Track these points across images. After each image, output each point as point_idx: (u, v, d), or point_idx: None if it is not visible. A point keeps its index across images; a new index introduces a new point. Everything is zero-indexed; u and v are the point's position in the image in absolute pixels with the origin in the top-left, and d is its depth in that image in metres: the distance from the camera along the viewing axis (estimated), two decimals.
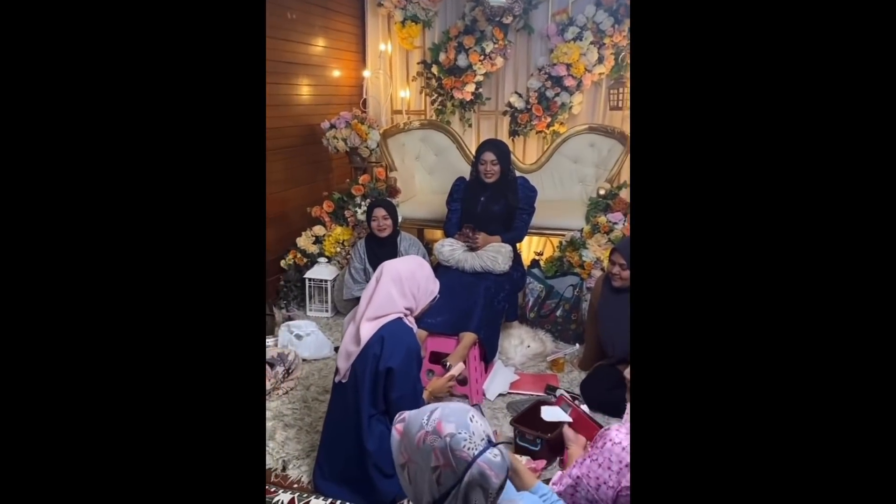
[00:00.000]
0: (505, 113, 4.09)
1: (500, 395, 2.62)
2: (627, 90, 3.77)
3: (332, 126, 3.60)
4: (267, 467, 2.15)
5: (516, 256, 3.01)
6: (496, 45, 3.93)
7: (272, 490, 2.03)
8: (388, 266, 1.99)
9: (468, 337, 2.58)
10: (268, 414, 2.46)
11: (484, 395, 2.59)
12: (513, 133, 4.06)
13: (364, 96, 4.17)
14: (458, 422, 1.10)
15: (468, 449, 1.07)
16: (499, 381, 2.68)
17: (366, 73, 4.28)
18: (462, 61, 3.97)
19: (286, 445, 2.27)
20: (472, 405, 2.50)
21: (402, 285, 1.95)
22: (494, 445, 1.09)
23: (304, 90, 3.72)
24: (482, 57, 3.95)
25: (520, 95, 4.01)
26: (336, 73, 4.08)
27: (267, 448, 2.24)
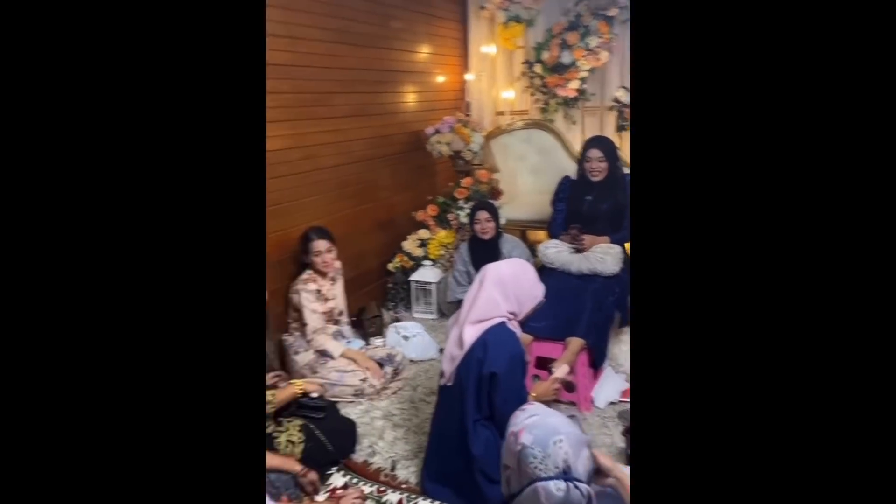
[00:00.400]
0: (611, 108, 3.93)
1: (610, 403, 2.51)
2: None
3: (437, 131, 3.65)
4: (376, 466, 2.21)
5: (627, 258, 2.88)
6: (601, 40, 3.79)
7: (381, 489, 2.09)
8: (491, 269, 1.97)
9: (575, 342, 2.50)
10: (377, 413, 2.53)
11: (593, 402, 2.50)
12: (620, 129, 3.89)
13: (467, 100, 4.19)
14: (539, 438, 1.07)
15: (534, 467, 1.04)
16: (609, 388, 2.57)
17: (468, 77, 4.30)
18: (566, 58, 3.87)
19: (395, 445, 2.32)
20: (581, 412, 2.42)
21: (506, 288, 1.92)
22: (569, 480, 1.03)
23: (410, 97, 3.81)
24: (586, 52, 3.83)
25: (626, 89, 3.83)
26: (440, 79, 4.13)
27: (376, 447, 2.31)
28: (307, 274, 2.72)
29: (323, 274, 2.75)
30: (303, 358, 2.66)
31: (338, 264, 2.85)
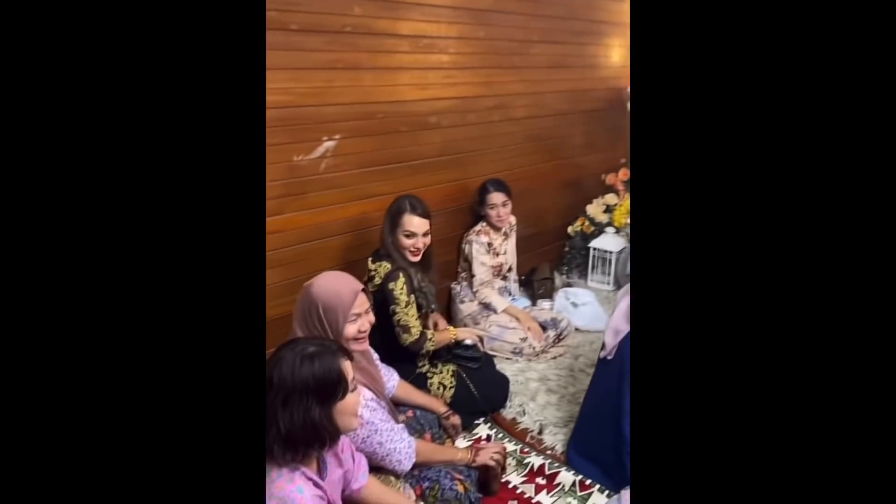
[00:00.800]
0: None
1: None
2: None
3: None
4: (523, 427, 2.17)
5: None
6: None
7: (525, 450, 2.04)
8: None
9: None
10: (533, 374, 2.47)
11: None
12: None
13: None
14: None
15: None
16: None
17: None
18: None
19: (545, 410, 2.25)
20: None
21: None
22: None
23: (614, 51, 3.53)
24: None
25: None
26: None
27: (527, 408, 2.26)
28: (480, 226, 2.71)
29: (496, 228, 2.71)
30: (467, 307, 2.68)
31: (512, 219, 2.79)
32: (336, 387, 1.14)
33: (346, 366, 1.17)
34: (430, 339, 2.08)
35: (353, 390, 1.18)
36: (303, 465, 1.12)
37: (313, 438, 1.11)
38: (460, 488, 1.56)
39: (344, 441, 1.33)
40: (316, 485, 1.12)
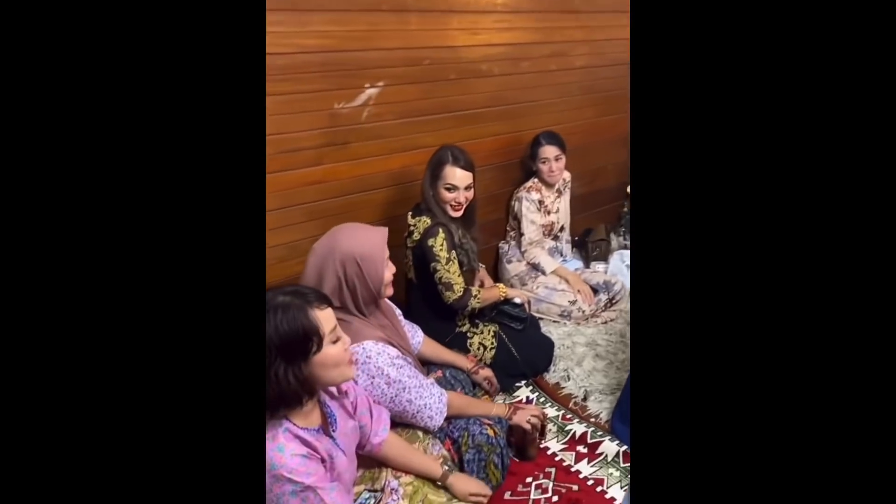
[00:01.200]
0: None
1: None
2: None
3: None
4: (567, 392, 2.08)
5: None
6: None
7: (567, 416, 1.96)
8: None
9: None
10: (581, 339, 2.36)
11: None
12: None
13: None
14: None
15: None
16: None
17: None
18: None
19: (592, 376, 2.15)
20: None
21: None
22: None
23: None
24: None
25: None
26: None
27: (572, 373, 2.16)
28: (532, 182, 2.58)
29: (548, 184, 2.57)
30: (514, 267, 2.58)
31: (567, 176, 2.64)
32: (305, 343, 1.03)
33: (322, 316, 1.06)
34: (476, 297, 2.00)
35: (335, 341, 1.08)
36: (290, 420, 1.05)
37: (282, 397, 1.02)
38: (490, 432, 1.52)
39: (357, 392, 1.27)
40: (305, 442, 1.05)
